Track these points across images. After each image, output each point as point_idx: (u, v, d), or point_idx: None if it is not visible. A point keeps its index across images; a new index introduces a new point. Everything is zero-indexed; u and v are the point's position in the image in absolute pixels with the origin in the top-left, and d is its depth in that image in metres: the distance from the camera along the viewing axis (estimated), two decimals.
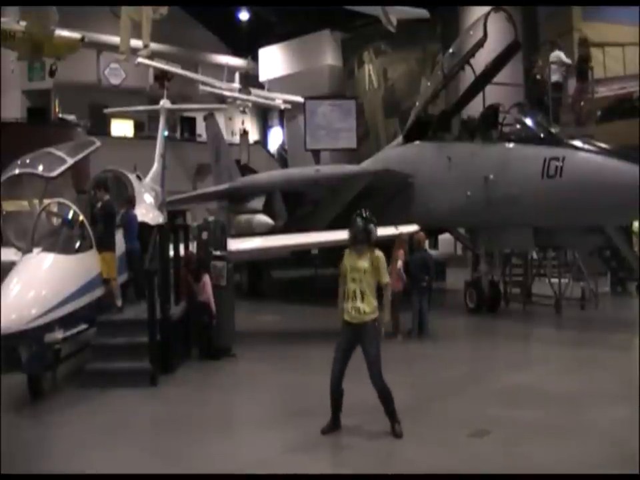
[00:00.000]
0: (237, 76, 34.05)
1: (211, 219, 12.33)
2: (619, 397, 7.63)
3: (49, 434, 6.95)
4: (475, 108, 15.21)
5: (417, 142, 15.82)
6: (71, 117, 24.17)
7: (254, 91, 31.37)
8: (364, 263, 6.37)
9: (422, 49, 28.86)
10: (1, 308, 7.27)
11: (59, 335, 7.89)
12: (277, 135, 37.95)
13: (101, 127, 26.91)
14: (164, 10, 16.85)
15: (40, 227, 8.93)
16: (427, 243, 14.74)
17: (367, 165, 18.35)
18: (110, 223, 9.51)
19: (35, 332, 7.55)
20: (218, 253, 10.95)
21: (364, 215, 6.53)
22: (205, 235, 11.35)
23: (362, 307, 6.30)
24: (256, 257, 14.85)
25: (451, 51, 15.22)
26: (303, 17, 32.12)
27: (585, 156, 11.72)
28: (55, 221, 9.59)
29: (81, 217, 9.00)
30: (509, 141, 13.16)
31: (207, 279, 10.25)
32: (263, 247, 13.70)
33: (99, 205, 9.70)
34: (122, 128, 30.12)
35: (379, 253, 6.48)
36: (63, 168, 9.37)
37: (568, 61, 15.30)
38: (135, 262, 10.18)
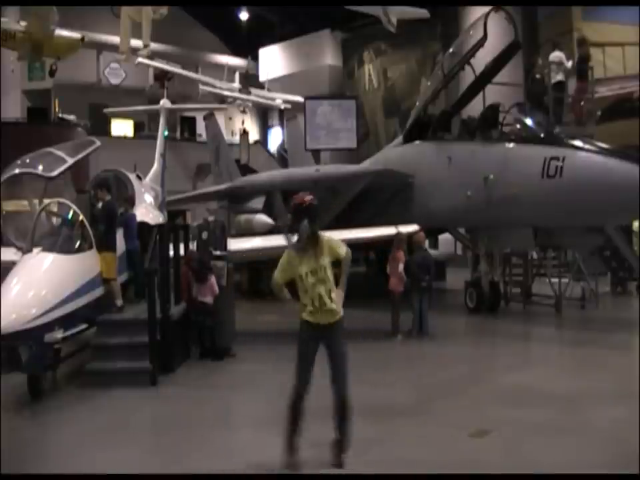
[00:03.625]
0: (236, 76, 34.02)
1: (211, 218, 12.34)
2: (619, 397, 7.63)
3: (49, 434, 6.95)
4: (475, 108, 15.21)
5: (417, 142, 15.81)
6: (71, 117, 24.18)
7: (254, 90, 31.36)
8: (322, 260, 5.52)
9: (422, 48, 28.85)
10: (1, 308, 7.27)
11: (58, 334, 7.89)
12: (277, 135, 37.94)
13: (101, 127, 26.88)
14: (164, 10, 16.84)
15: (40, 226, 8.93)
16: (427, 242, 14.75)
17: (367, 164, 18.35)
18: (111, 223, 9.51)
19: (35, 332, 7.54)
20: (218, 252, 10.97)
21: (306, 206, 5.64)
22: (204, 235, 11.37)
23: (333, 306, 5.53)
24: (256, 257, 14.83)
25: (450, 50, 15.21)
26: (302, 16, 32.14)
27: (585, 156, 11.72)
28: (55, 220, 9.58)
29: (81, 217, 9.00)
30: (509, 140, 13.16)
31: (213, 279, 10.25)
32: (263, 247, 13.70)
33: (100, 205, 9.70)
34: (122, 128, 30.10)
35: (323, 235, 5.64)
36: (62, 168, 9.36)
37: (568, 64, 15.28)
38: (135, 262, 10.18)
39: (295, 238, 5.64)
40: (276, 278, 5.67)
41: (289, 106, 30.25)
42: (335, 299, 5.55)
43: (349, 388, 5.67)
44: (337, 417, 5.67)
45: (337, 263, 5.69)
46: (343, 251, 5.65)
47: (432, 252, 15.08)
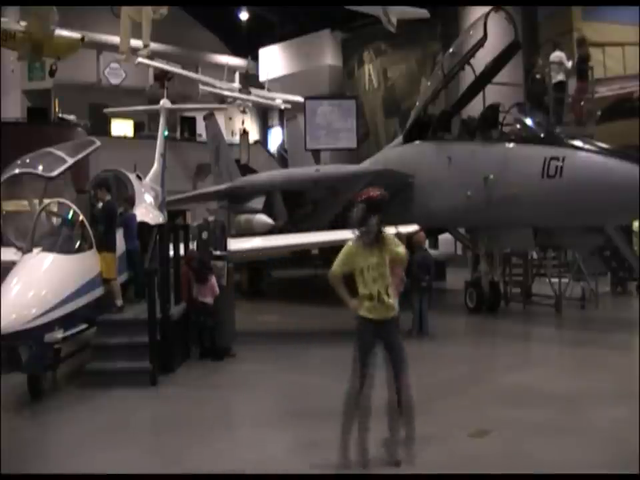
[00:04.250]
0: (237, 76, 34.03)
1: (211, 218, 12.34)
2: (618, 397, 7.64)
3: (49, 434, 6.96)
4: (475, 108, 15.21)
5: (417, 142, 15.81)
6: (71, 117, 24.19)
7: (254, 90, 31.35)
8: (381, 257, 5.62)
9: (422, 48, 28.84)
10: (1, 308, 7.27)
11: (58, 334, 7.89)
12: (276, 135, 37.95)
13: (100, 127, 26.88)
14: (164, 10, 16.85)
15: (40, 226, 8.93)
16: (427, 242, 14.74)
17: (367, 164, 18.35)
18: (111, 223, 9.51)
19: (35, 332, 7.55)
20: (218, 252, 10.97)
21: (375, 200, 5.68)
22: (205, 235, 11.36)
23: (390, 302, 5.62)
24: (256, 256, 14.84)
25: (450, 50, 15.21)
26: (302, 16, 32.14)
27: (585, 156, 11.71)
28: (55, 220, 9.58)
29: (81, 217, 9.00)
30: (509, 140, 13.15)
31: (214, 280, 10.25)
32: (263, 246, 13.71)
33: (101, 205, 9.70)
34: (122, 128, 30.10)
35: (388, 234, 5.74)
36: (62, 168, 9.36)
37: (568, 64, 15.28)
38: (135, 262, 10.18)
39: (358, 231, 5.68)
40: (335, 270, 5.70)
41: (289, 106, 30.25)
42: (392, 295, 5.65)
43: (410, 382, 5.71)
44: (400, 408, 5.69)
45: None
46: (402, 250, 5.80)
47: (432, 252, 15.08)
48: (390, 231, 5.88)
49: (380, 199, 5.73)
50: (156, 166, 17.39)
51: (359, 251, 5.68)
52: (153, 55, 25.03)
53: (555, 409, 7.27)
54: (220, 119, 26.71)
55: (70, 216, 9.09)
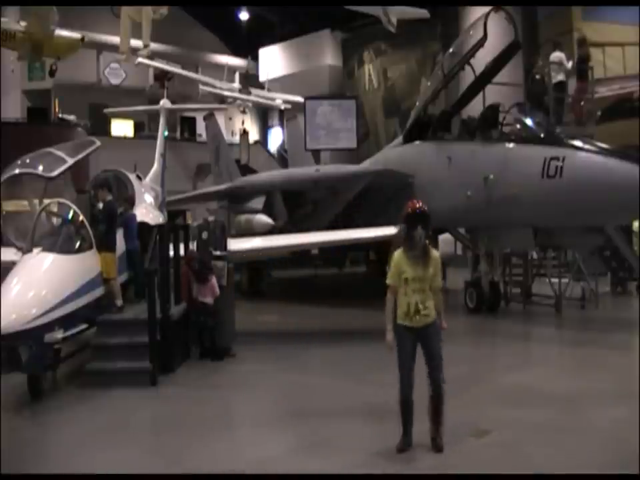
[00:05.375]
0: (237, 76, 34.03)
1: (211, 218, 12.33)
2: (618, 397, 7.63)
3: (49, 434, 6.96)
4: (475, 108, 15.21)
5: (417, 142, 15.80)
6: (71, 117, 24.20)
7: (254, 90, 31.36)
8: (426, 271, 5.87)
9: (422, 48, 28.85)
10: (1, 308, 7.27)
11: (58, 334, 7.89)
12: (277, 135, 37.95)
13: (100, 127, 26.89)
14: (164, 10, 16.86)
15: (40, 226, 8.93)
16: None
17: (367, 164, 18.35)
18: (111, 223, 9.52)
19: (35, 332, 7.55)
20: (218, 252, 10.97)
21: (420, 213, 5.95)
22: (205, 235, 11.36)
23: (425, 312, 5.88)
24: (256, 256, 14.84)
25: (450, 50, 15.20)
26: (302, 16, 32.13)
27: (585, 156, 11.71)
28: (55, 221, 9.58)
29: (81, 217, 9.00)
30: (509, 140, 13.14)
31: (214, 280, 10.25)
32: (263, 246, 13.71)
33: (101, 205, 9.70)
34: (122, 128, 30.10)
35: (435, 254, 6.02)
36: (63, 168, 9.36)
37: (568, 64, 15.28)
38: (135, 262, 10.18)
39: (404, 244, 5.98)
40: (390, 281, 5.98)
41: (289, 106, 30.25)
42: (429, 307, 5.87)
43: (444, 382, 5.96)
44: (431, 405, 5.95)
45: None
46: (439, 281, 6.02)
47: None
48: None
49: (422, 211, 6.01)
50: (156, 166, 17.40)
51: (406, 261, 5.92)
52: (153, 55, 25.04)
53: (555, 409, 7.27)
54: (220, 119, 26.71)
55: (70, 216, 9.08)
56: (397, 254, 5.99)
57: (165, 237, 9.90)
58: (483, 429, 6.56)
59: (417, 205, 6.01)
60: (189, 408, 7.74)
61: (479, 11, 18.15)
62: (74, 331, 8.41)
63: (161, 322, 9.13)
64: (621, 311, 15.38)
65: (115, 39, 19.22)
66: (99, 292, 9.03)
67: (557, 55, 15.32)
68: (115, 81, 31.53)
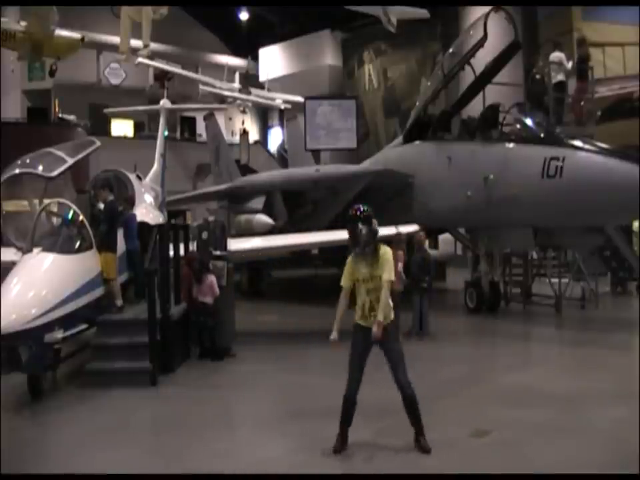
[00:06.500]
0: (237, 76, 34.04)
1: (211, 218, 12.34)
2: (618, 397, 7.64)
3: (49, 434, 6.96)
4: (475, 108, 15.21)
5: (417, 142, 15.81)
6: (71, 117, 24.19)
7: (254, 90, 31.36)
8: (377, 270, 5.88)
9: (422, 48, 28.85)
10: (1, 308, 7.27)
11: (58, 334, 7.90)
12: (276, 135, 37.95)
13: (101, 127, 26.91)
14: (164, 10, 16.85)
15: (40, 226, 8.92)
16: (427, 242, 14.74)
17: (367, 164, 18.36)
18: (112, 223, 9.52)
19: (35, 332, 7.55)
20: (218, 252, 10.97)
21: (361, 213, 5.95)
22: (205, 235, 11.37)
23: (378, 315, 5.85)
24: (256, 256, 14.84)
25: (450, 50, 15.21)
26: (302, 16, 32.14)
27: (585, 156, 11.72)
28: (55, 221, 9.58)
29: (81, 217, 9.00)
30: (509, 140, 13.15)
31: (213, 279, 10.25)
32: (263, 246, 13.71)
33: (102, 205, 9.70)
34: (122, 128, 30.11)
35: (385, 249, 5.98)
36: (63, 168, 9.36)
37: (568, 64, 15.28)
38: (135, 262, 10.17)
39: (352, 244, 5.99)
40: (342, 283, 6.05)
41: (289, 106, 30.24)
42: (381, 308, 5.82)
43: (409, 381, 5.96)
44: (405, 406, 5.98)
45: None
46: (387, 275, 5.91)
47: (432, 252, 15.08)
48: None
49: (365, 212, 6.00)
50: (156, 166, 17.40)
51: (358, 262, 6.00)
52: (153, 55, 25.05)
53: (555, 409, 7.27)
54: (220, 119, 26.72)
55: (70, 216, 9.08)
56: (350, 256, 6.07)
57: (164, 236, 9.90)
58: (482, 429, 6.57)
59: (360, 207, 6.10)
60: (189, 408, 7.74)
61: (479, 11, 18.15)
62: (74, 331, 8.41)
63: (161, 322, 9.14)
64: (621, 311, 15.39)
65: (115, 39, 19.21)
66: (98, 292, 9.03)
67: (556, 55, 15.32)
68: (114, 80, 31.53)
